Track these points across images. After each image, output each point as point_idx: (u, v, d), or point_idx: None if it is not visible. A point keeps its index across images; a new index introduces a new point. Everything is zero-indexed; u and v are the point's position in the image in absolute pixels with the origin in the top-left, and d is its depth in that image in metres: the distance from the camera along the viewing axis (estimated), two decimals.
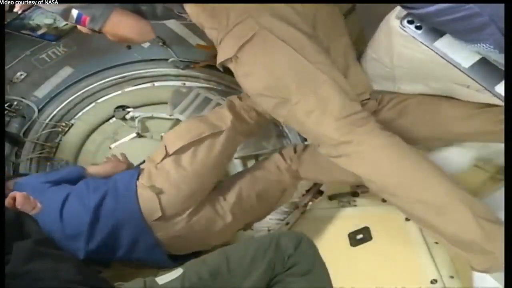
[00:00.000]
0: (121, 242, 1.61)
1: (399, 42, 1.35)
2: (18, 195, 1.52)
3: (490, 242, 1.19)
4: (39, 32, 2.38)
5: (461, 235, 1.23)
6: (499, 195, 1.49)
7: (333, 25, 1.60)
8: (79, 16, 1.54)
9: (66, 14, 1.54)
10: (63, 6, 1.52)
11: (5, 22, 2.33)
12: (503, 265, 1.12)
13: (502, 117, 1.36)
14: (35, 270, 0.97)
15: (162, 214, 1.57)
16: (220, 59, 1.50)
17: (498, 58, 1.19)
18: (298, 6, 1.46)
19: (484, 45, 1.15)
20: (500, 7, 1.04)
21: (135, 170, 1.72)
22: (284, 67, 1.39)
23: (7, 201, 1.51)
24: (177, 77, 2.67)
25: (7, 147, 2.37)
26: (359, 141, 1.33)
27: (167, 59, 2.60)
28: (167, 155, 1.63)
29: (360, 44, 1.68)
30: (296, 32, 1.40)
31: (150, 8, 1.64)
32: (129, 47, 2.61)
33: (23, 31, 2.37)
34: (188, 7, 1.51)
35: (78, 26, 1.62)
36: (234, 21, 1.41)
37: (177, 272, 1.18)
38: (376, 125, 1.37)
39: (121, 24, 1.58)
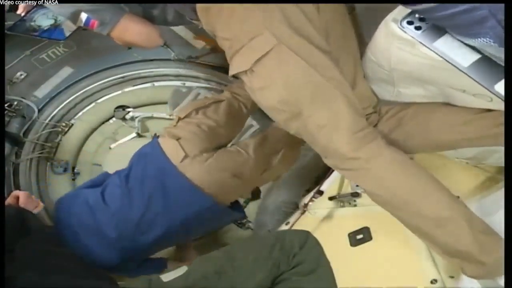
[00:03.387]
0: (158, 195, 1.66)
1: (396, 44, 1.34)
2: (21, 194, 1.53)
3: (484, 254, 1.25)
4: (44, 32, 2.40)
5: (457, 247, 1.29)
6: (499, 195, 1.51)
7: (344, 37, 1.60)
8: (87, 20, 1.52)
9: (74, 18, 1.53)
10: (72, 9, 1.51)
11: (11, 25, 2.34)
12: (492, 275, 1.27)
13: (500, 121, 1.39)
14: (40, 267, 0.98)
15: (185, 154, 1.66)
16: (234, 71, 1.48)
17: (498, 53, 1.19)
18: (314, 18, 1.44)
19: (484, 39, 1.14)
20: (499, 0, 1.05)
21: (154, 138, 1.88)
22: (300, 83, 1.39)
23: (10, 200, 1.52)
24: (177, 77, 2.67)
25: (7, 147, 2.36)
26: (367, 158, 1.37)
27: (167, 59, 2.60)
28: (179, 119, 1.79)
29: (360, 46, 1.68)
30: (312, 47, 1.39)
31: (161, 13, 1.63)
32: (129, 47, 2.61)
33: (28, 33, 2.39)
34: (201, 14, 1.49)
35: None
36: (250, 34, 1.39)
37: (182, 269, 1.18)
38: (382, 141, 1.41)
39: (129, 30, 1.58)
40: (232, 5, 1.39)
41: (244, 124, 2.12)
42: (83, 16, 1.52)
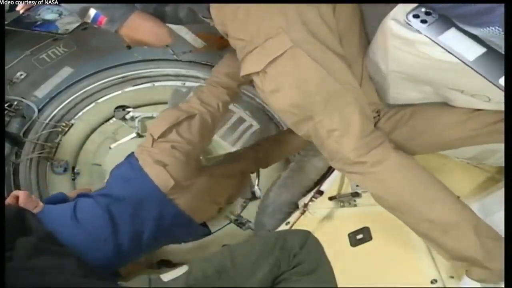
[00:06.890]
0: (146, 222, 1.68)
1: (394, 44, 1.33)
2: (21, 194, 1.53)
3: (490, 260, 1.25)
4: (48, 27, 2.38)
5: (464, 253, 1.29)
6: (499, 195, 1.51)
7: (357, 39, 1.59)
8: (96, 16, 1.49)
9: (83, 13, 1.50)
10: (82, 5, 1.49)
11: (12, 20, 2.33)
12: (498, 280, 1.27)
13: (496, 118, 1.38)
14: (40, 265, 0.98)
15: (175, 182, 1.70)
16: (246, 71, 1.46)
17: (503, 42, 1.16)
18: (330, 20, 1.43)
19: (493, 29, 1.12)
20: None
21: (130, 158, 1.85)
22: (314, 88, 1.38)
23: (10, 200, 1.52)
24: (177, 77, 2.67)
25: (7, 147, 2.37)
26: (373, 163, 1.37)
27: (167, 59, 2.60)
28: (154, 140, 1.79)
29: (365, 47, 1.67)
30: (328, 51, 1.38)
31: (174, 11, 1.60)
32: (129, 47, 2.60)
33: (32, 28, 2.37)
34: (216, 14, 1.47)
35: None
36: (266, 35, 1.37)
37: (182, 269, 1.18)
38: (389, 145, 1.41)
39: (138, 28, 1.55)
40: (248, 5, 1.38)
41: (213, 134, 2.18)
42: (92, 12, 1.49)
